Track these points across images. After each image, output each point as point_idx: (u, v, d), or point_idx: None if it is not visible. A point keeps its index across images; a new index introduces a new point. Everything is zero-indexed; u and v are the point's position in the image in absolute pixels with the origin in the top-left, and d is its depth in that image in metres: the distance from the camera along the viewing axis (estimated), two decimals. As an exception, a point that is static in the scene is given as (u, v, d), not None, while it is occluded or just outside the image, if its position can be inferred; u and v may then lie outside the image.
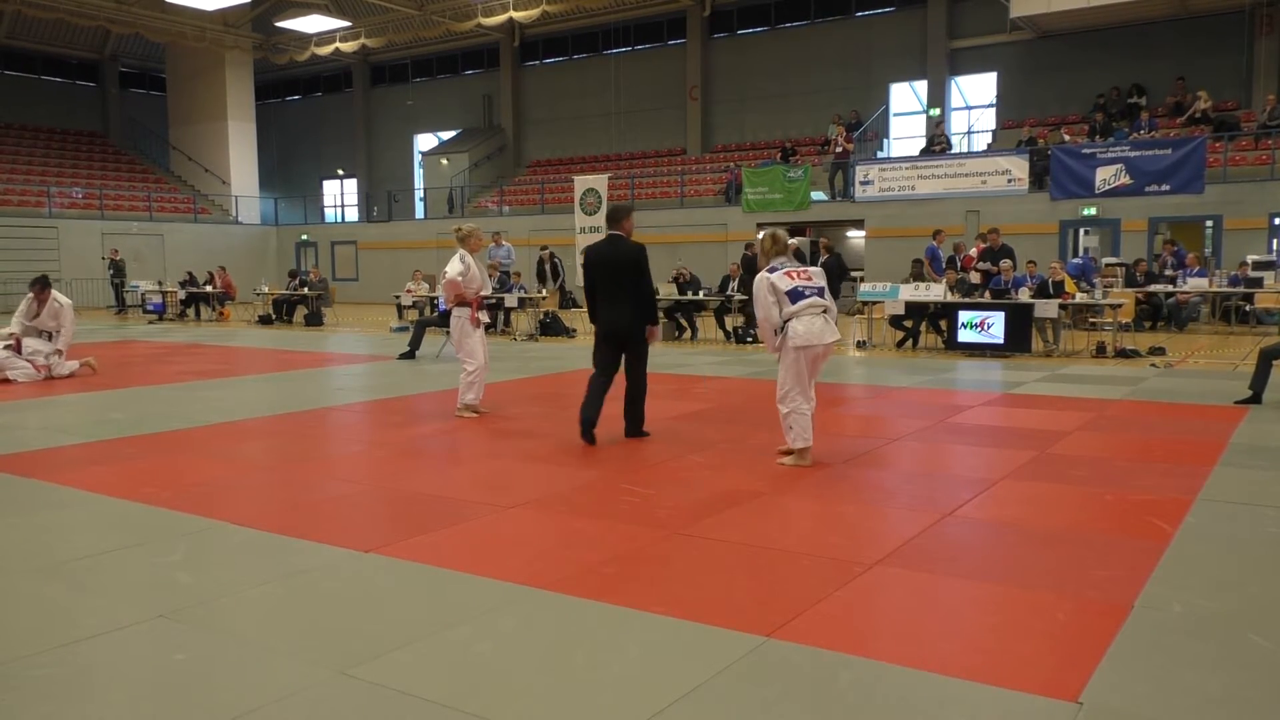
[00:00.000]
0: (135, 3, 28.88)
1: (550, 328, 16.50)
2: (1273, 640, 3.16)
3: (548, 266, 19.89)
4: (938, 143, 22.89)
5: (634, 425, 6.87)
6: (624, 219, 6.70)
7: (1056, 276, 13.73)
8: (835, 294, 16.86)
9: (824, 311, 5.91)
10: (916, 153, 23.74)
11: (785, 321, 5.85)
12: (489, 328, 10.18)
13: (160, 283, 24.06)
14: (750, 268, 17.44)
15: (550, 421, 7.64)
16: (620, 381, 6.81)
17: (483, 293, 8.09)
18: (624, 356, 6.75)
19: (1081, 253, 20.03)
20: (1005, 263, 13.83)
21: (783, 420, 5.92)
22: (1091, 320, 14.09)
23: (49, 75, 35.24)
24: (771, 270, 5.93)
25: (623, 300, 6.57)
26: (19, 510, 5.02)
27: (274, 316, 21.05)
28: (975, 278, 14.40)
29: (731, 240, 23.05)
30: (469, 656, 3.12)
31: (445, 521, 4.75)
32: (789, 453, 6.00)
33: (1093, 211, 19.68)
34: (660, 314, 16.06)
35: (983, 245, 15.39)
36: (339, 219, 37.22)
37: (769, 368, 11.55)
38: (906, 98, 26.89)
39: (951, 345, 12.79)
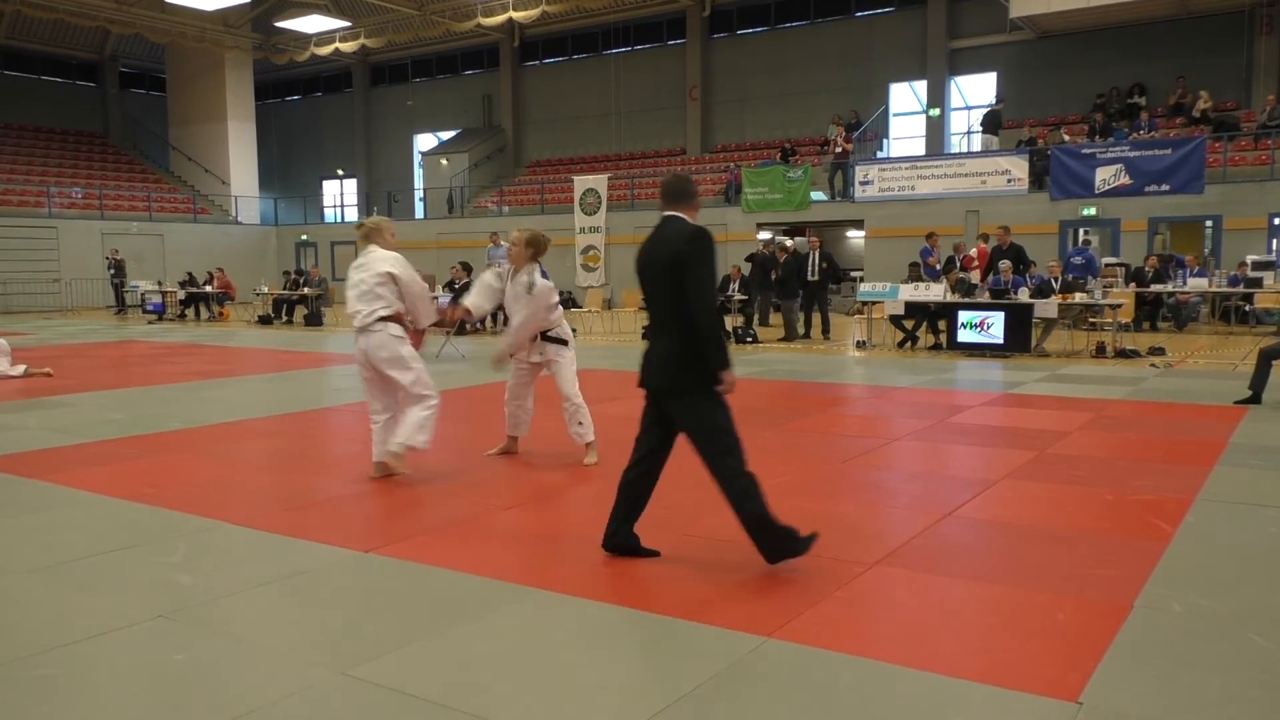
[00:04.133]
0: (135, 3, 28.86)
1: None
2: (1273, 640, 3.16)
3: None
4: (993, 121, 22.95)
5: None
6: None
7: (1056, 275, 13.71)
8: (827, 298, 16.74)
9: None
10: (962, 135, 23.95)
11: (547, 331, 6.07)
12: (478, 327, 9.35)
13: (160, 283, 24.06)
14: (761, 265, 17.24)
15: (550, 421, 7.63)
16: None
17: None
18: None
19: (1081, 243, 19.48)
20: (1004, 263, 13.81)
21: (574, 415, 6.02)
22: (1091, 320, 14.08)
23: (49, 75, 35.19)
24: (545, 275, 6.15)
25: None
26: (19, 510, 5.02)
27: (274, 316, 21.05)
28: (975, 277, 14.39)
29: (731, 241, 23.02)
30: (469, 656, 3.12)
31: (445, 521, 4.75)
32: (586, 452, 6.08)
33: (1092, 211, 19.65)
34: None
35: (984, 245, 15.38)
36: (339, 219, 37.19)
37: (769, 368, 11.57)
38: (906, 98, 26.87)
39: (950, 345, 12.78)
